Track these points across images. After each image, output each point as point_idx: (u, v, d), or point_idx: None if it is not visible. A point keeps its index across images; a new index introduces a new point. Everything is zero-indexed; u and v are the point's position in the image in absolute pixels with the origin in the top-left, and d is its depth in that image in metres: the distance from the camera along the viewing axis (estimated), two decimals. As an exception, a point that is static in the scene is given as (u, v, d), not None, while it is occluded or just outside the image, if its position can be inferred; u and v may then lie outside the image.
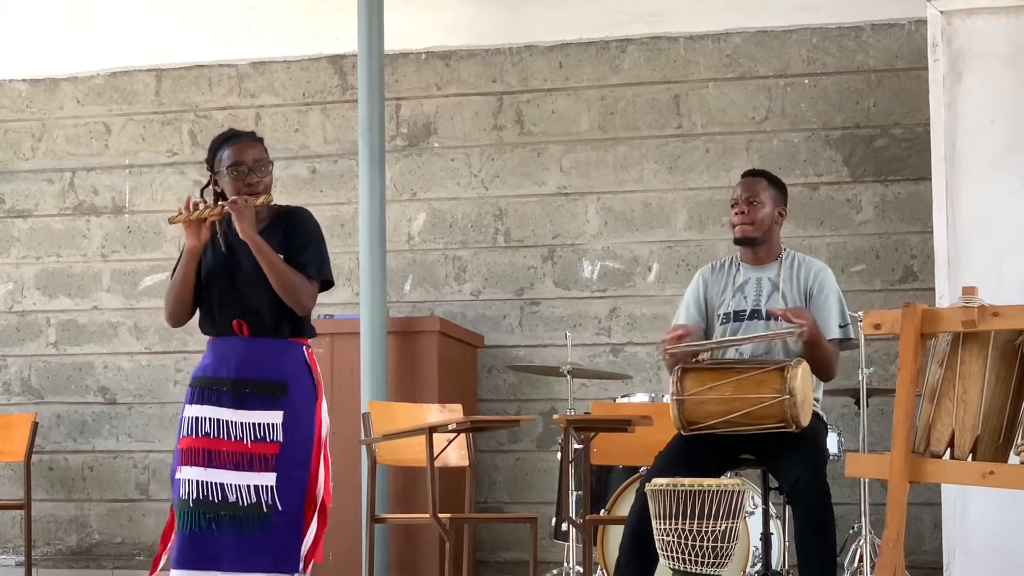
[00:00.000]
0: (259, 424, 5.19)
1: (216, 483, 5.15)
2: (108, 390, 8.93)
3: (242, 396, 5.21)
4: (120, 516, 8.86)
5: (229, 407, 5.21)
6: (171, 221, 5.29)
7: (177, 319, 5.39)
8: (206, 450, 5.18)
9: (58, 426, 8.96)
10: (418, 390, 7.85)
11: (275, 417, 5.20)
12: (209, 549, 5.13)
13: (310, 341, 5.40)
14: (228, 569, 5.12)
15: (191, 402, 5.27)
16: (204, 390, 5.26)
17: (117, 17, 9.10)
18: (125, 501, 8.86)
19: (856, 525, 7.10)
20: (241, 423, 5.19)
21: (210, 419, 5.21)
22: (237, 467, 5.16)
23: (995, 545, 6.91)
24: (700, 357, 5.74)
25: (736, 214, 6.00)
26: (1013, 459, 4.50)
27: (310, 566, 5.25)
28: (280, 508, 5.14)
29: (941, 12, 7.24)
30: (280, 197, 5.51)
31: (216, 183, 5.39)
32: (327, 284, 5.39)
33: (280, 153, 8.42)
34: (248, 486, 5.15)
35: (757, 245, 6.02)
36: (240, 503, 5.14)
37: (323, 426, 5.30)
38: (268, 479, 5.15)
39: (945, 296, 7.01)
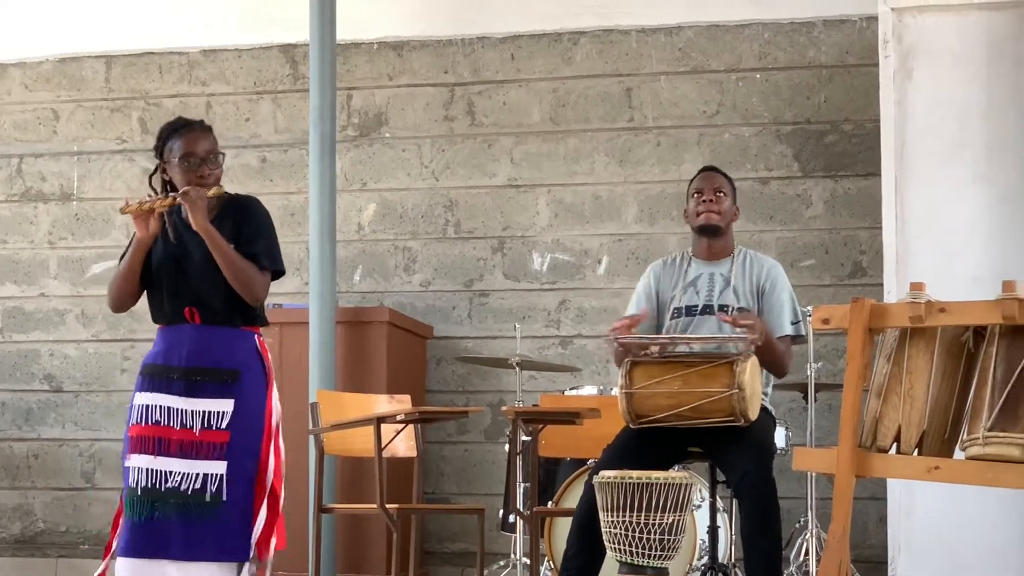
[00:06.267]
0: (209, 412, 5.17)
1: (164, 471, 5.13)
2: (54, 378, 8.88)
3: (193, 384, 5.19)
4: (65, 505, 8.81)
5: (180, 395, 5.18)
6: (122, 211, 5.26)
7: (120, 305, 5.38)
8: (155, 438, 5.16)
9: (3, 413, 8.89)
10: (367, 380, 7.84)
11: (226, 405, 5.17)
12: (156, 537, 5.10)
13: (262, 330, 5.38)
14: (175, 557, 5.09)
15: (141, 390, 5.25)
16: (154, 378, 5.23)
17: (66, 2, 9.03)
18: (70, 490, 8.80)
19: (802, 519, 7.12)
20: (191, 411, 5.17)
21: (160, 407, 5.19)
22: (185, 455, 5.13)
23: (940, 539, 6.95)
24: (649, 351, 5.74)
25: (703, 202, 5.98)
26: (958, 454, 4.52)
27: (268, 554, 5.22)
28: (228, 497, 5.12)
29: (892, 9, 7.26)
30: (230, 186, 5.48)
31: (164, 171, 5.35)
32: (279, 274, 5.37)
33: (230, 142, 8.37)
34: (196, 474, 5.12)
35: (717, 237, 6.02)
36: (187, 491, 5.11)
37: (274, 414, 5.28)
38: (218, 467, 5.13)
39: (893, 291, 7.03)
